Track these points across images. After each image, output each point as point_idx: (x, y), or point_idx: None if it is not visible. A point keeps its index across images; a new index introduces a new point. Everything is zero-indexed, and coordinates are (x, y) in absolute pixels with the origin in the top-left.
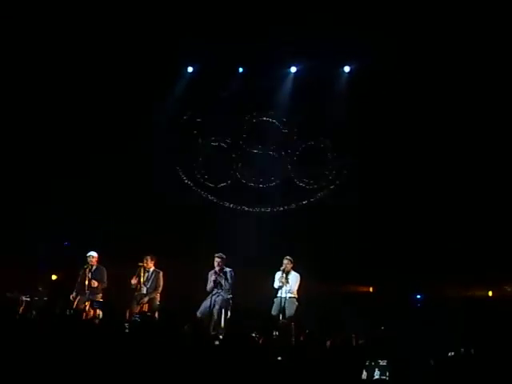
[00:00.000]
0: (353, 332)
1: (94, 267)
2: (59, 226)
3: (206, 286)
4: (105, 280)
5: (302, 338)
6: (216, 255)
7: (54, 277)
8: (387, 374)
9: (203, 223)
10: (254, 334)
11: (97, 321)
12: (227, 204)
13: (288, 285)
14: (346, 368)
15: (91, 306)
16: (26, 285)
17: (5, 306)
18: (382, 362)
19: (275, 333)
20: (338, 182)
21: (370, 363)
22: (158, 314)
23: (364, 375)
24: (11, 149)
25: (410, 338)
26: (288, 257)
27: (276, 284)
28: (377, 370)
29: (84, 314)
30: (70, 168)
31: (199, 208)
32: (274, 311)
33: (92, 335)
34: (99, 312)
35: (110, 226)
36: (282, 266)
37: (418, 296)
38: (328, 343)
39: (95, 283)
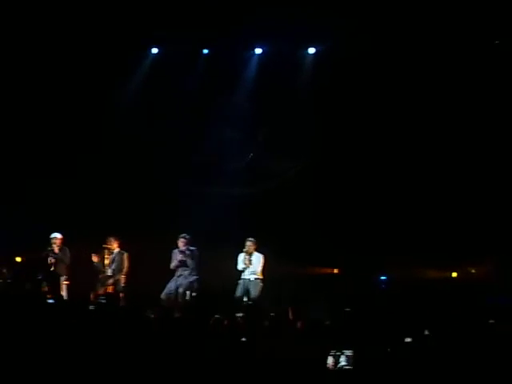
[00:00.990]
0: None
1: (58, 249)
2: (22, 207)
3: (170, 264)
4: (67, 257)
5: (265, 320)
6: (180, 236)
7: (18, 259)
8: (352, 362)
9: (168, 204)
10: (217, 316)
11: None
12: (193, 185)
13: (252, 266)
14: (311, 353)
15: None
16: None
17: None
18: (348, 352)
19: (239, 314)
20: (303, 165)
21: (336, 352)
22: (123, 296)
23: (330, 362)
24: None
25: (374, 322)
26: (251, 238)
27: (240, 266)
28: (343, 356)
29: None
30: (34, 149)
31: (164, 189)
32: (238, 293)
33: (56, 316)
34: (63, 294)
35: (73, 207)
36: (245, 247)
37: (383, 277)
38: (298, 325)
39: (52, 260)
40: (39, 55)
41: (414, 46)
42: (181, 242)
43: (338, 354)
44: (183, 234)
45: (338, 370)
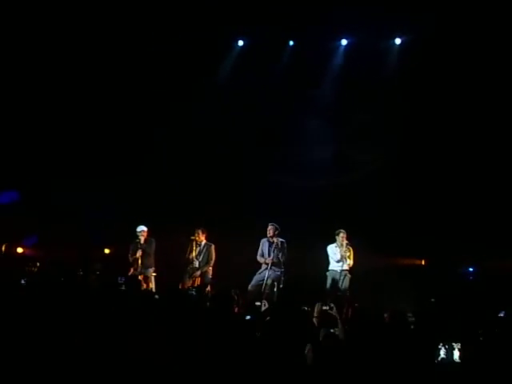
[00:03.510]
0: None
1: (144, 240)
2: (110, 201)
3: (257, 254)
4: (153, 249)
5: (351, 312)
6: (270, 224)
7: (106, 251)
8: (454, 355)
9: (255, 196)
10: (305, 308)
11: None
12: (279, 177)
13: (349, 259)
14: (405, 346)
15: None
16: (79, 259)
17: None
18: (456, 345)
19: (327, 307)
20: (390, 156)
21: (444, 345)
22: (211, 288)
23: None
24: (61, 123)
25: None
26: (342, 230)
27: (336, 257)
28: (443, 349)
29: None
30: (119, 142)
31: (250, 181)
32: (328, 284)
33: (149, 307)
34: (152, 286)
35: (161, 200)
36: (334, 239)
37: (471, 269)
38: (385, 316)
39: (140, 252)
40: (124, 43)
41: (501, 38)
42: (270, 230)
43: (445, 347)
44: (272, 223)
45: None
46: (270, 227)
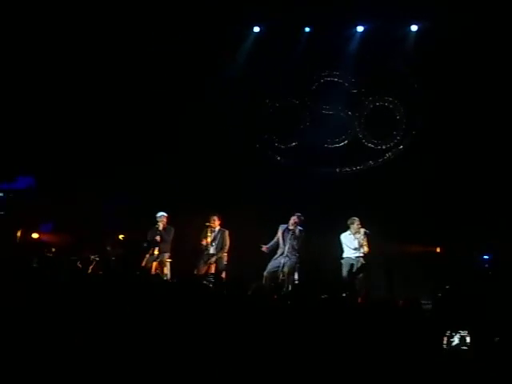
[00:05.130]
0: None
1: (163, 227)
2: (126, 186)
3: (272, 240)
4: (171, 236)
5: (361, 298)
6: (296, 214)
7: (121, 236)
8: (465, 342)
9: (270, 184)
10: (324, 296)
11: (165, 278)
12: (294, 165)
13: (365, 246)
14: (416, 332)
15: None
16: (94, 245)
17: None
18: (463, 333)
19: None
20: (406, 143)
21: (451, 333)
22: (226, 275)
23: (444, 341)
24: (76, 110)
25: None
26: (355, 218)
27: (353, 245)
28: (457, 337)
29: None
30: (135, 129)
31: (266, 169)
32: (344, 272)
33: (164, 293)
34: (166, 271)
35: (176, 186)
36: (348, 227)
37: (486, 256)
38: (400, 303)
39: (158, 238)
40: (141, 32)
41: None
42: (293, 220)
43: (452, 334)
44: (298, 213)
45: (452, 351)
46: (293, 218)
